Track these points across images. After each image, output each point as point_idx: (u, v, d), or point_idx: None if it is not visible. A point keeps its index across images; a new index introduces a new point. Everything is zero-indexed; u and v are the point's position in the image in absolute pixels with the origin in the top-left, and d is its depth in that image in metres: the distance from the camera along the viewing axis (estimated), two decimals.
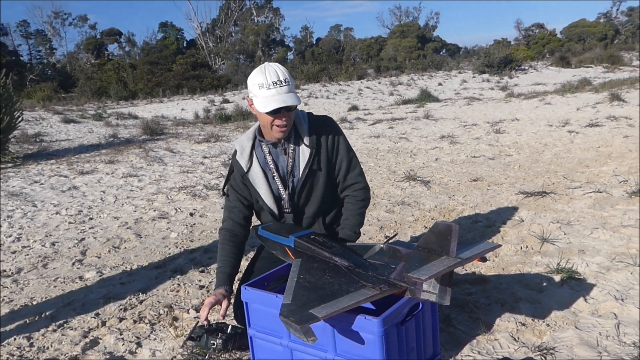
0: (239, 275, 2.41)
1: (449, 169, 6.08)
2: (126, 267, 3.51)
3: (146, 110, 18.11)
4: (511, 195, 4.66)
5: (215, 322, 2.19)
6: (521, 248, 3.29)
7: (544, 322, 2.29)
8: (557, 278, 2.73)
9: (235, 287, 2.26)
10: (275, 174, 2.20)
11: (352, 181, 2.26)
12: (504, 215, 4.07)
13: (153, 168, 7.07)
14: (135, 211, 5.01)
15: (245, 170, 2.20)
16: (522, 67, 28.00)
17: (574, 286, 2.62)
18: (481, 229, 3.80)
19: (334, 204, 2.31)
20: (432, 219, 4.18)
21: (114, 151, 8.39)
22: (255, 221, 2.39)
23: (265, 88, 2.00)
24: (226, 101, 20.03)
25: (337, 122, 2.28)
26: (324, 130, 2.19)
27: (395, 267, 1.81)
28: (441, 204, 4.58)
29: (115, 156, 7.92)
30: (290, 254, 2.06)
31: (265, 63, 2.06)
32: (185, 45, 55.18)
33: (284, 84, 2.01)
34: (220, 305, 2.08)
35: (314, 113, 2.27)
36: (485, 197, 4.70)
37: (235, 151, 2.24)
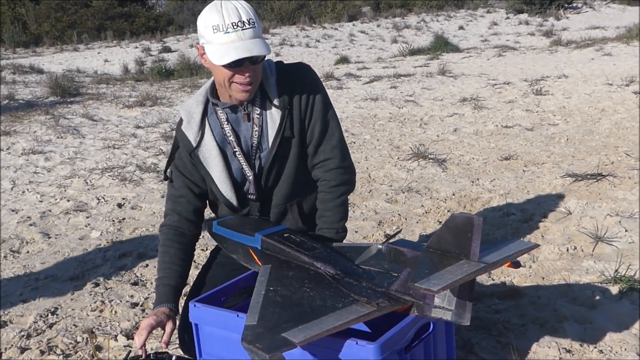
0: (187, 289, 2.42)
1: (472, 144, 6.13)
2: (29, 279, 3.49)
3: (55, 61, 17.83)
4: (555, 178, 4.73)
5: (154, 351, 2.20)
6: (567, 250, 3.35)
7: (595, 347, 2.35)
8: (614, 289, 2.80)
9: (182, 303, 2.27)
10: (237, 148, 2.20)
11: (324, 157, 2.24)
12: (545, 205, 4.13)
13: (66, 142, 7.00)
14: (41, 201, 4.98)
15: (195, 145, 2.19)
16: (574, 5, 28.15)
17: (636, 300, 2.69)
18: (514, 224, 3.86)
19: (313, 185, 2.33)
20: (448, 210, 4.22)
21: (11, 118, 8.28)
22: (208, 214, 2.40)
23: (221, 32, 1.99)
24: (167, 50, 19.82)
25: (320, 78, 2.28)
26: (297, 82, 2.19)
27: (397, 275, 1.84)
28: (461, 190, 4.63)
29: (12, 125, 7.82)
30: (256, 258, 2.07)
31: None
32: None
33: (247, 25, 2.00)
34: (163, 329, 2.09)
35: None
36: (521, 181, 4.76)
37: (181, 120, 2.23)
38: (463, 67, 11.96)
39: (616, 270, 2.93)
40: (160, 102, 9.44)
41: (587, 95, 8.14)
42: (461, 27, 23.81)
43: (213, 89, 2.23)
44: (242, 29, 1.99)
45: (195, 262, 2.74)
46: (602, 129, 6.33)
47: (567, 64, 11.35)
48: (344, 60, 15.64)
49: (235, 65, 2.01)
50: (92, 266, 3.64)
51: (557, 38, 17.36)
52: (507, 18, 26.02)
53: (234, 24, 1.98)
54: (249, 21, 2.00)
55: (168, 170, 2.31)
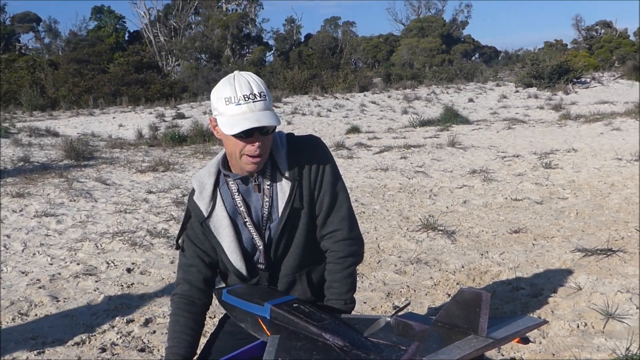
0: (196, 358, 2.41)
1: (482, 216, 6.14)
2: (36, 342, 3.48)
3: (70, 125, 18.16)
4: (565, 253, 4.72)
5: None
6: (578, 326, 3.32)
7: None
8: None
9: None
10: (247, 218, 2.23)
11: (333, 228, 2.27)
12: (554, 280, 4.11)
13: (78, 205, 7.07)
14: (51, 264, 4.99)
15: (206, 216, 2.23)
16: (583, 80, 28.59)
17: None
18: (524, 298, 3.84)
19: (322, 256, 2.35)
20: (457, 283, 4.21)
21: (25, 180, 8.38)
22: (218, 283, 2.41)
23: (233, 103, 2.06)
24: (181, 116, 20.18)
25: (330, 148, 2.33)
26: (306, 154, 2.24)
27: (406, 348, 1.84)
28: (470, 263, 4.62)
29: (26, 187, 7.91)
30: (264, 328, 2.07)
31: (235, 72, 2.13)
32: (127, 38, 55.79)
33: (258, 98, 2.07)
34: None
35: (297, 134, 2.33)
36: (530, 255, 4.75)
37: (193, 190, 2.28)
38: (473, 139, 12.09)
39: (627, 349, 2.90)
40: (173, 168, 9.55)
41: (597, 170, 8.18)
42: (471, 100, 24.18)
43: (225, 161, 2.28)
44: (254, 101, 2.06)
45: (204, 330, 2.73)
46: (611, 204, 6.33)
47: (576, 138, 11.45)
48: (354, 129, 15.86)
49: (246, 136, 2.07)
50: (99, 331, 3.63)
51: (566, 112, 17.57)
52: (517, 91, 26.46)
53: (245, 96, 2.05)
54: (260, 94, 2.07)
55: (180, 239, 2.34)
